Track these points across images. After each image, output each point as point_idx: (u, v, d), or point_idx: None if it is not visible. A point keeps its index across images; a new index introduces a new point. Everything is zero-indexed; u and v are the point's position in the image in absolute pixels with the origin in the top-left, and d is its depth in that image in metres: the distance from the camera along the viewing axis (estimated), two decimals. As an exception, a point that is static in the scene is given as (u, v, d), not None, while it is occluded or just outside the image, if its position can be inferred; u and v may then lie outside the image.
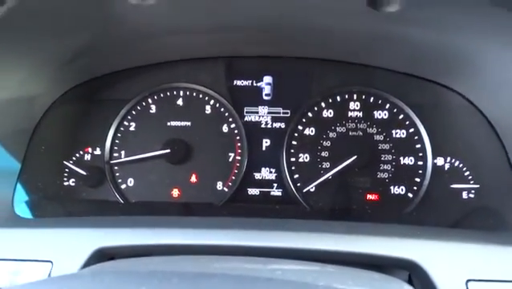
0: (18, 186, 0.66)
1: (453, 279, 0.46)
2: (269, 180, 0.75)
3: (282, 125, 0.77)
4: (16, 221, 0.60)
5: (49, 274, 0.49)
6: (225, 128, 0.76)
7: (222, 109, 0.77)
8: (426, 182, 0.71)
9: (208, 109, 0.77)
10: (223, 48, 0.75)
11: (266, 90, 0.79)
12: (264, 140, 0.76)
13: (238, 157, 0.75)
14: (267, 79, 0.79)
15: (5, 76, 0.59)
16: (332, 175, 0.72)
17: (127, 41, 0.66)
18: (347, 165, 0.72)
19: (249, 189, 0.75)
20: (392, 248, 0.49)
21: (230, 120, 0.76)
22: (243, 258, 0.47)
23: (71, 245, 0.51)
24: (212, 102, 0.77)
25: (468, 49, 0.58)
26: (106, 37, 0.63)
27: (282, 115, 0.77)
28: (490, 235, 0.55)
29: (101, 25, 0.58)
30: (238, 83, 0.79)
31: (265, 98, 0.79)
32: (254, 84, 0.79)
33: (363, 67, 0.75)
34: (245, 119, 0.77)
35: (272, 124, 0.77)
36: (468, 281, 0.46)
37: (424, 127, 0.73)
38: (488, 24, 0.50)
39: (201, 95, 0.77)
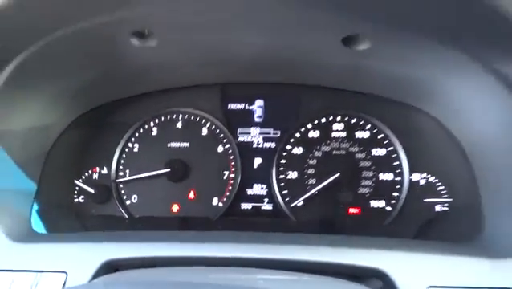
0: (35, 205, 0.74)
1: (415, 286, 0.53)
2: (260, 195, 0.82)
3: (273, 145, 0.84)
4: (33, 237, 0.67)
5: (64, 284, 0.56)
6: (220, 149, 0.84)
7: (218, 131, 0.84)
8: (403, 196, 0.77)
9: (204, 131, 0.85)
10: (218, 77, 0.83)
11: (258, 112, 0.86)
12: (256, 159, 0.84)
13: (232, 175, 0.82)
14: (259, 102, 0.86)
15: (26, 109, 0.67)
16: (318, 191, 0.79)
17: (131, 74, 0.74)
18: (331, 182, 0.79)
19: (243, 204, 0.82)
20: (362, 258, 0.56)
21: (225, 140, 0.84)
22: (232, 269, 0.54)
23: (83, 257, 0.58)
24: (208, 124, 0.85)
25: (430, 80, 0.66)
26: (112, 72, 0.71)
27: (272, 135, 0.85)
28: (454, 246, 0.62)
29: (108, 63, 0.66)
30: (232, 106, 0.86)
31: (257, 120, 0.86)
32: (247, 108, 0.86)
33: (346, 92, 0.82)
34: (239, 139, 0.84)
35: (263, 144, 0.85)
36: (429, 287, 0.53)
37: (402, 146, 0.79)
38: (442, 60, 0.58)
39: (198, 119, 0.85)
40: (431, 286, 0.53)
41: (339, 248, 0.58)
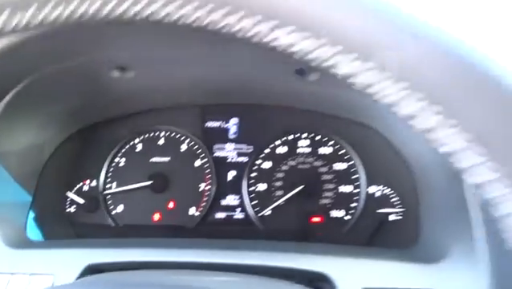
0: (30, 214, 0.84)
1: (352, 287, 0.62)
2: (233, 205, 0.91)
3: (245, 159, 0.93)
4: (27, 243, 0.77)
5: (52, 285, 0.66)
6: (197, 163, 0.93)
7: (195, 147, 0.93)
8: (360, 207, 0.86)
9: (183, 147, 0.94)
10: (196, 99, 0.92)
11: (233, 130, 0.95)
12: (230, 172, 0.93)
13: (208, 187, 0.91)
14: (234, 120, 0.95)
15: (23, 130, 0.77)
16: (284, 201, 0.88)
17: (114, 99, 0.83)
18: (296, 193, 0.88)
19: (217, 214, 0.91)
20: (309, 263, 0.65)
21: (202, 155, 0.93)
22: (192, 272, 0.63)
23: (69, 261, 0.68)
24: (187, 141, 0.94)
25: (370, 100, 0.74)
26: (97, 98, 0.81)
27: (245, 150, 0.94)
28: (394, 252, 0.70)
29: (92, 92, 0.76)
30: (209, 124, 0.96)
31: (231, 137, 0.95)
32: (223, 126, 0.96)
33: (310, 112, 0.91)
34: (215, 154, 0.93)
35: (237, 159, 0.93)
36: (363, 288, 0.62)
37: (360, 161, 0.88)
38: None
39: (178, 136, 0.94)
40: (365, 288, 0.62)
41: (292, 254, 0.67)
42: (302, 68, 0.69)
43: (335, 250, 0.68)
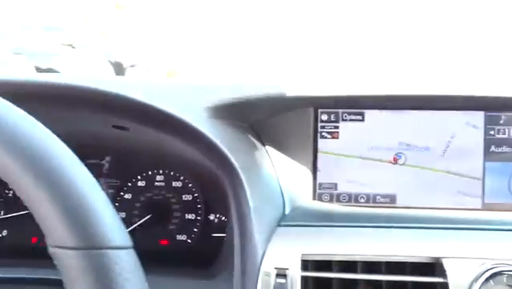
0: None
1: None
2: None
3: (112, 191, 1.11)
4: None
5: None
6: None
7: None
8: (199, 232, 1.04)
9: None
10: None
11: (106, 166, 1.14)
12: (99, 202, 1.10)
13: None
14: (107, 158, 1.15)
15: None
16: (138, 226, 1.05)
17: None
18: (149, 220, 1.06)
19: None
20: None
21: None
22: None
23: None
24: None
25: None
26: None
27: (113, 184, 1.12)
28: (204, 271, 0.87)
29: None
30: (89, 161, 1.14)
31: (104, 172, 1.14)
32: (99, 162, 1.15)
33: (162, 154, 1.10)
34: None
35: (107, 191, 1.12)
36: None
37: (201, 193, 1.06)
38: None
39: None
40: None
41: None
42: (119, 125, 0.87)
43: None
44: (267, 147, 0.94)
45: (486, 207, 0.98)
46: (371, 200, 1.02)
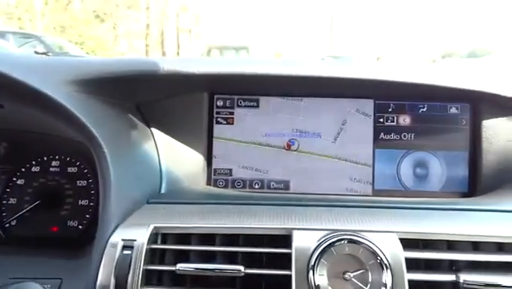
0: None
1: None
2: (-15, 217, 1.04)
3: (4, 176, 1.07)
4: None
5: None
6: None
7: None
8: (91, 218, 1.01)
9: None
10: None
11: (1, 152, 1.10)
12: (-7, 187, 1.06)
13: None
14: (3, 144, 1.11)
15: None
16: (28, 213, 1.02)
17: None
18: (41, 206, 1.02)
19: None
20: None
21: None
22: None
23: None
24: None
25: None
26: None
27: (6, 169, 1.08)
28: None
29: None
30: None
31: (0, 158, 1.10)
32: (-3, 148, 1.11)
33: (59, 137, 1.07)
34: (-18, 173, 1.08)
35: (1, 176, 1.08)
36: None
37: (97, 178, 1.03)
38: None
39: None
40: None
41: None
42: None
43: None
44: (153, 129, 0.93)
45: (376, 193, 0.99)
46: (265, 186, 1.02)
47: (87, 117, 0.71)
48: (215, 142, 1.01)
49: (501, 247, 0.67)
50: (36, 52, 8.76)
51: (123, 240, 0.65)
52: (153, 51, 22.16)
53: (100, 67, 0.77)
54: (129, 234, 0.66)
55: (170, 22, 21.33)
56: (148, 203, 0.78)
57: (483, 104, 0.92)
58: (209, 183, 1.01)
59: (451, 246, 0.67)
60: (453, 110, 0.97)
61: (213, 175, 1.02)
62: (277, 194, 0.97)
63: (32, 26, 17.70)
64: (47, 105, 0.71)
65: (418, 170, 0.98)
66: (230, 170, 1.02)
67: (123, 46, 22.43)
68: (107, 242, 0.65)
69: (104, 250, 0.65)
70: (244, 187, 1.01)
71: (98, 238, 0.67)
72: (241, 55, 11.92)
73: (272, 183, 1.01)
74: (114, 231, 0.67)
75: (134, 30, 23.34)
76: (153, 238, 0.68)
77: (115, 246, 0.64)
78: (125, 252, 0.64)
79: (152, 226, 0.67)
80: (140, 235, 0.65)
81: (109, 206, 0.69)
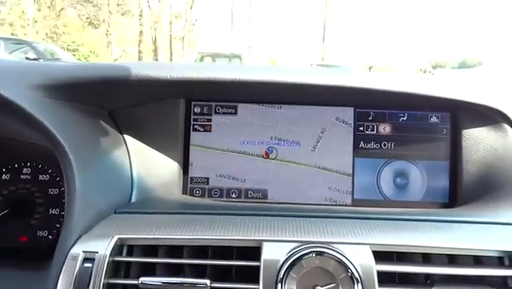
0: None
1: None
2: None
3: None
4: None
5: None
6: None
7: None
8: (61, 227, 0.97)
9: None
10: None
11: None
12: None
13: None
14: None
15: None
16: None
17: None
18: (9, 215, 0.98)
19: None
20: None
21: None
22: None
23: None
24: None
25: None
26: None
27: None
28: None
29: None
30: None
31: (-31, 165, 1.06)
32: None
33: (33, 144, 1.04)
34: None
35: (-31, 184, 1.04)
36: None
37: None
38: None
39: None
40: None
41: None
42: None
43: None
44: (126, 136, 0.91)
45: (356, 203, 0.97)
46: (243, 195, 0.99)
47: (52, 123, 0.68)
48: (192, 150, 0.99)
49: (478, 260, 0.65)
50: (27, 58, 8.72)
51: (84, 252, 0.62)
52: (146, 58, 22.15)
53: (69, 72, 0.74)
54: (91, 246, 0.63)
55: (163, 30, 21.37)
56: (115, 213, 0.75)
57: (462, 113, 0.90)
58: (184, 192, 0.98)
59: (426, 258, 0.65)
60: (434, 119, 0.96)
61: (189, 184, 0.99)
62: (254, 204, 0.94)
63: (24, 32, 17.63)
64: (10, 110, 0.68)
65: (398, 180, 0.97)
66: (207, 179, 0.99)
67: (116, 53, 22.41)
68: (67, 253, 0.62)
69: (64, 262, 0.62)
70: (221, 196, 0.99)
71: (58, 249, 0.64)
72: (234, 63, 11.92)
73: (250, 192, 0.98)
74: (75, 243, 0.64)
75: (127, 37, 23.36)
76: (118, 250, 0.65)
77: (75, 258, 0.61)
78: (86, 265, 0.61)
79: (116, 237, 0.64)
80: (103, 247, 0.62)
81: (72, 216, 0.66)
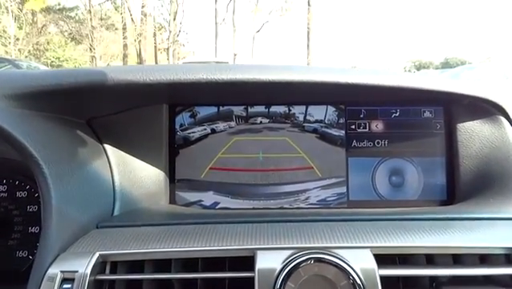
0: None
1: None
2: None
3: None
4: None
5: None
6: None
7: None
8: None
9: None
10: None
11: None
12: None
13: None
14: None
15: None
16: None
17: None
18: None
19: None
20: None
21: None
22: None
23: None
24: None
25: None
26: None
27: None
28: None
29: None
30: None
31: None
32: None
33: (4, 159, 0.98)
34: None
35: None
36: None
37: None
38: None
39: None
40: None
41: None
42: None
43: None
44: (106, 146, 0.85)
45: (351, 204, 0.93)
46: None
47: (23, 135, 0.63)
48: (178, 157, 0.94)
49: (483, 259, 0.62)
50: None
51: (62, 272, 0.57)
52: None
53: (40, 80, 0.69)
54: (70, 265, 0.58)
55: (147, 42, 21.30)
56: (97, 228, 0.70)
57: (456, 107, 0.87)
58: (172, 202, 0.93)
59: (430, 260, 0.61)
60: (427, 114, 0.93)
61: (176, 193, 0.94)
62: (244, 211, 0.90)
63: (6, 50, 17.40)
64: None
65: (394, 178, 0.93)
66: (195, 188, 0.94)
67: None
68: (44, 274, 0.57)
69: (41, 284, 0.56)
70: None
71: (34, 270, 0.59)
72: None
73: (239, 198, 0.94)
74: (53, 262, 0.58)
75: (112, 50, 23.23)
76: (100, 268, 0.60)
77: (53, 279, 0.56)
78: (65, 286, 0.56)
79: (97, 254, 0.59)
80: (83, 265, 0.57)
81: (49, 233, 0.61)
